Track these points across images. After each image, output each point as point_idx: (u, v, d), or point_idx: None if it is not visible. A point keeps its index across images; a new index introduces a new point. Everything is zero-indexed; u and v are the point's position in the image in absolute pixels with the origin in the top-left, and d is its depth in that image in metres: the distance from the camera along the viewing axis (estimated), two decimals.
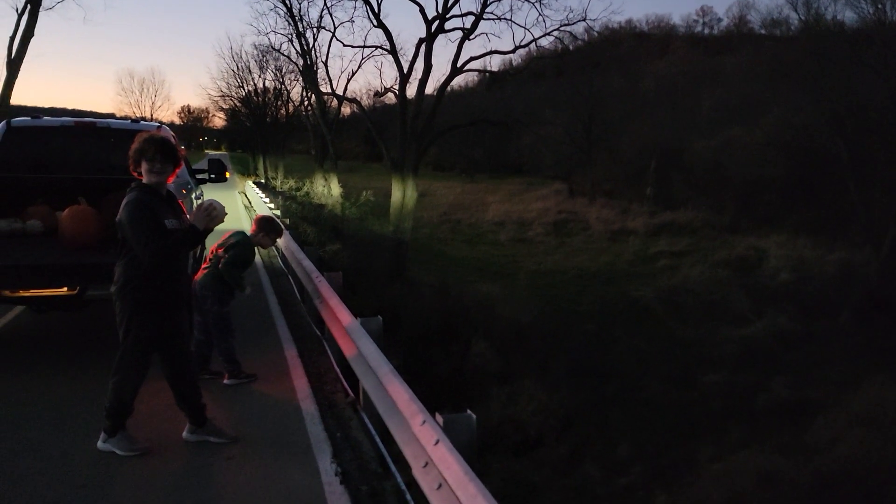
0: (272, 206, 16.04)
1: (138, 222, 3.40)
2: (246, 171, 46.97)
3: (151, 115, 64.08)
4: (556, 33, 21.48)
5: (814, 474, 9.25)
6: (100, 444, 3.76)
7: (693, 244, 25.67)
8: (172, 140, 3.98)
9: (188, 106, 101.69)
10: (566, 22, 21.41)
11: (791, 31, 34.32)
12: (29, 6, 17.02)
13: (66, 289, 4.97)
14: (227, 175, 7.91)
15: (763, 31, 54.75)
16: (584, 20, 21.50)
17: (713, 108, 35.94)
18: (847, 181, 22.01)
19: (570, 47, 23.87)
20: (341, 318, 5.10)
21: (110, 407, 3.67)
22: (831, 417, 11.59)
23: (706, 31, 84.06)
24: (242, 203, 23.64)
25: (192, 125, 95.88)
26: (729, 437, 11.45)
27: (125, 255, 3.53)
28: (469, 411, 3.12)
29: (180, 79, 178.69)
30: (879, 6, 23.05)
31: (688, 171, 31.06)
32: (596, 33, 24.61)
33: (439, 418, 3.04)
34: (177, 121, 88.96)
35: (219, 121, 74.74)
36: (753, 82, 33.58)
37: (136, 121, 7.44)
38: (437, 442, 2.83)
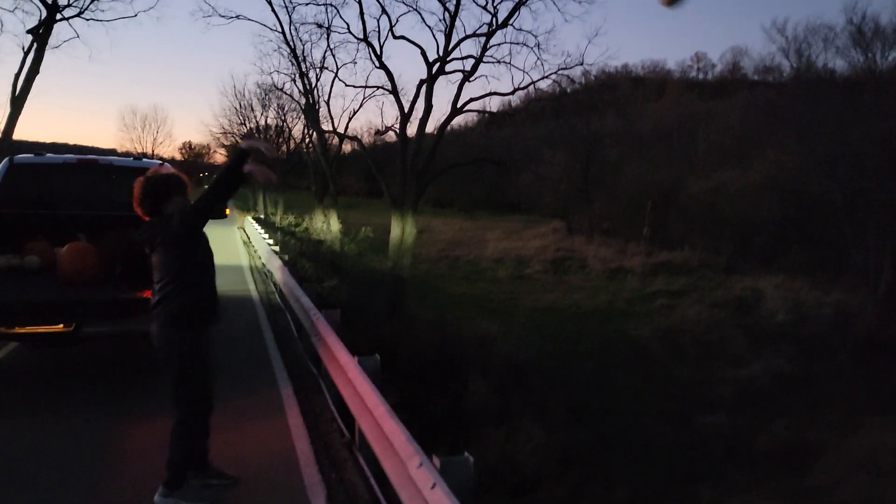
0: (271, 241, 16.09)
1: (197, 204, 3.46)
2: (245, 207, 47.17)
3: (153, 152, 64.56)
4: (554, 76, 21.78)
5: None
6: (157, 498, 3.40)
7: (690, 284, 25.67)
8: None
9: (189, 142, 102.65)
10: (564, 66, 21.54)
11: (783, 78, 35.00)
12: (35, 45, 17.32)
13: (62, 325, 4.96)
14: (227, 211, 7.97)
15: (756, 77, 56.03)
16: (581, 64, 21.72)
17: (708, 151, 36.45)
18: (841, 223, 22.17)
19: (568, 90, 24.14)
20: (338, 356, 5.08)
21: (175, 454, 3.31)
22: (831, 461, 11.46)
23: (701, 76, 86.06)
24: (241, 238, 23.69)
25: (193, 161, 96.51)
26: (729, 480, 11.28)
27: (162, 281, 3.42)
28: (466, 454, 3.10)
29: (182, 115, 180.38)
30: (870, 55, 23.62)
31: (684, 212, 31.29)
32: (593, 77, 24.96)
33: (436, 461, 3.01)
34: (178, 156, 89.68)
35: (220, 157, 75.30)
36: (747, 125, 34.12)
37: (138, 157, 7.53)
38: (433, 486, 2.80)
